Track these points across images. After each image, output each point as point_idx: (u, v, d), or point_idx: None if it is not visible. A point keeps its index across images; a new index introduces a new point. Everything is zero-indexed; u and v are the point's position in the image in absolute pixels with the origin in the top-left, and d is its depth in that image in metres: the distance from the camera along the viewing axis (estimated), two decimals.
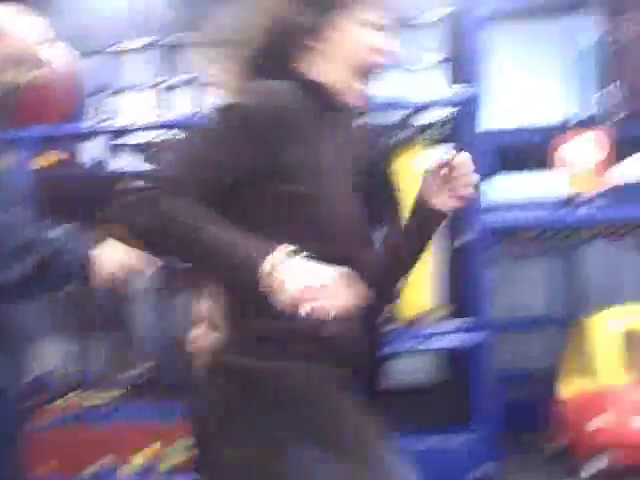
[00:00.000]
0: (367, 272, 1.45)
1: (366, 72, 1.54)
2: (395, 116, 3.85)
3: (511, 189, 4.42)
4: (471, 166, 1.53)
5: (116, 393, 3.75)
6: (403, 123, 3.80)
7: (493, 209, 3.91)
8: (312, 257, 1.31)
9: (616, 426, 3.34)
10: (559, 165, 4.02)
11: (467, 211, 3.60)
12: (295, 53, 1.53)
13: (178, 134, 3.83)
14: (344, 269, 1.31)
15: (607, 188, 3.95)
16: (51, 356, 3.95)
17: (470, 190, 1.54)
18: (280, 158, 1.41)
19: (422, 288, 3.63)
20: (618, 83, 4.36)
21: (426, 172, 1.58)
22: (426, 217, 1.58)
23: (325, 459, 1.39)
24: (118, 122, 3.95)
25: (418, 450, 2.83)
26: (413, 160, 3.60)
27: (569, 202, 3.97)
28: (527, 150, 4.37)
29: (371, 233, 1.62)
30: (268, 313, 1.31)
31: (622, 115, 4.30)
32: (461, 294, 3.80)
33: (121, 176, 1.45)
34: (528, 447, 3.86)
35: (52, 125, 3.83)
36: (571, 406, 3.62)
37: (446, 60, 4.11)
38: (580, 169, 3.95)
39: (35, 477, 3.24)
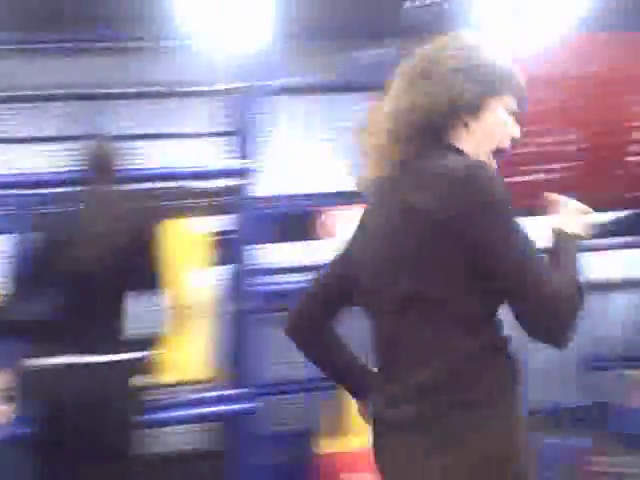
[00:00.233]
0: None
1: (496, 151, 1.69)
2: (174, 184, 3.92)
3: (285, 255, 4.61)
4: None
5: None
6: (180, 191, 3.89)
7: (268, 274, 4.06)
8: None
9: None
10: (328, 233, 4.26)
11: (242, 276, 3.72)
12: (451, 127, 1.64)
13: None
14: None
15: None
16: None
17: None
18: None
19: (195, 353, 3.67)
20: None
21: None
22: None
23: None
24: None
25: None
26: (186, 227, 3.68)
27: None
28: (301, 218, 4.58)
29: None
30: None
31: None
32: (233, 359, 3.88)
33: None
34: None
35: None
36: (328, 465, 3.81)
37: (226, 132, 4.24)
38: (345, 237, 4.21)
39: None
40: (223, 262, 3.80)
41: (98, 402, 2.49)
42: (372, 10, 5.21)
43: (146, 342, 2.97)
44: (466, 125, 1.64)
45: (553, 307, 1.48)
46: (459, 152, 1.63)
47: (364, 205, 1.77)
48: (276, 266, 4.33)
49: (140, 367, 2.79)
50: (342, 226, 4.29)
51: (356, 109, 4.97)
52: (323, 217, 4.28)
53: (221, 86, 4.20)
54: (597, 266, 6.86)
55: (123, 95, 4.46)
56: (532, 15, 6.37)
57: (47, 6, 4.86)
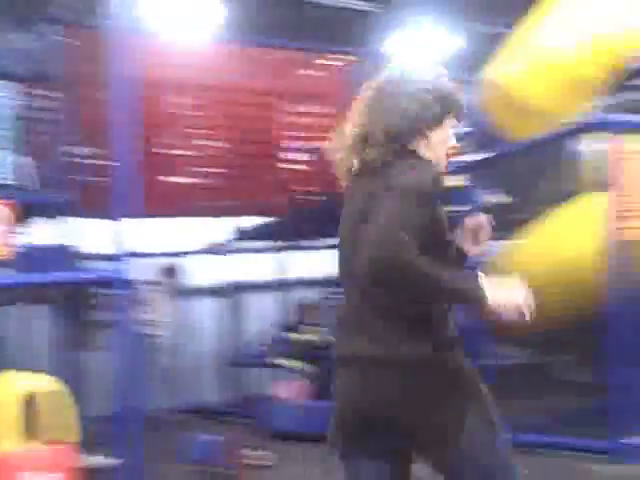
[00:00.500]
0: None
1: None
2: None
3: None
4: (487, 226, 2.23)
5: None
6: None
7: None
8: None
9: None
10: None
11: None
12: (415, 139, 2.07)
13: None
14: (522, 285, 1.95)
15: (14, 255, 4.00)
16: None
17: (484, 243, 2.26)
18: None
19: None
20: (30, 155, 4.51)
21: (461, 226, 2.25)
22: (458, 255, 2.23)
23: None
24: None
25: None
26: None
27: None
28: None
29: None
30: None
31: (33, 185, 4.44)
32: None
33: None
34: None
35: None
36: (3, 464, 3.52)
37: None
38: None
39: None
40: None
41: None
42: None
43: None
44: (426, 137, 2.09)
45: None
46: (420, 158, 2.07)
47: None
48: None
49: None
50: None
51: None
52: None
53: None
54: (247, 268, 7.21)
55: None
56: (180, 22, 6.52)
57: None
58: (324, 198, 5.98)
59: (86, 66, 4.86)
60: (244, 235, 6.91)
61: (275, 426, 5.67)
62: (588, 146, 5.03)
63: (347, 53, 6.46)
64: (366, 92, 2.11)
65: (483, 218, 2.24)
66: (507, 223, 4.90)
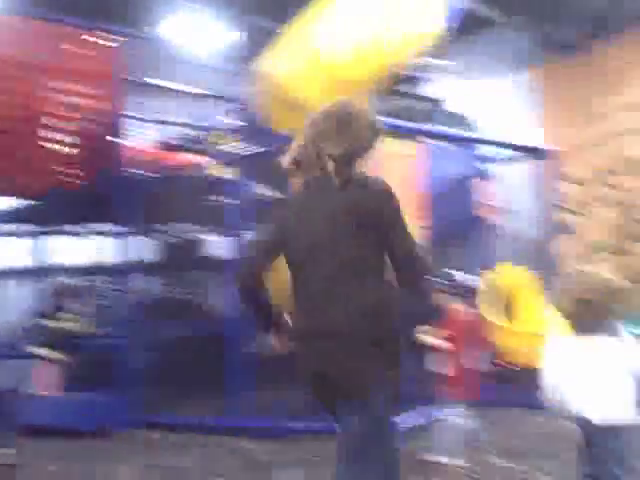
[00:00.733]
0: None
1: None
2: None
3: None
4: None
5: None
6: None
7: None
8: None
9: None
10: None
11: None
12: (358, 159, 2.69)
13: None
14: None
15: None
16: None
17: None
18: None
19: None
20: None
21: None
22: None
23: None
24: None
25: None
26: None
27: None
28: None
29: None
30: None
31: None
32: None
33: None
34: None
35: None
36: None
37: None
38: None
39: None
40: None
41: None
42: None
43: None
44: (363, 159, 2.72)
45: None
46: (363, 172, 2.69)
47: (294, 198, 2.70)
48: None
49: None
50: None
51: None
52: None
53: None
54: (2, 253, 6.77)
55: None
56: None
57: None
58: (85, 182, 5.69)
59: None
60: None
61: (24, 420, 5.31)
62: None
63: (120, 34, 6.22)
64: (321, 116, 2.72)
65: None
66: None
